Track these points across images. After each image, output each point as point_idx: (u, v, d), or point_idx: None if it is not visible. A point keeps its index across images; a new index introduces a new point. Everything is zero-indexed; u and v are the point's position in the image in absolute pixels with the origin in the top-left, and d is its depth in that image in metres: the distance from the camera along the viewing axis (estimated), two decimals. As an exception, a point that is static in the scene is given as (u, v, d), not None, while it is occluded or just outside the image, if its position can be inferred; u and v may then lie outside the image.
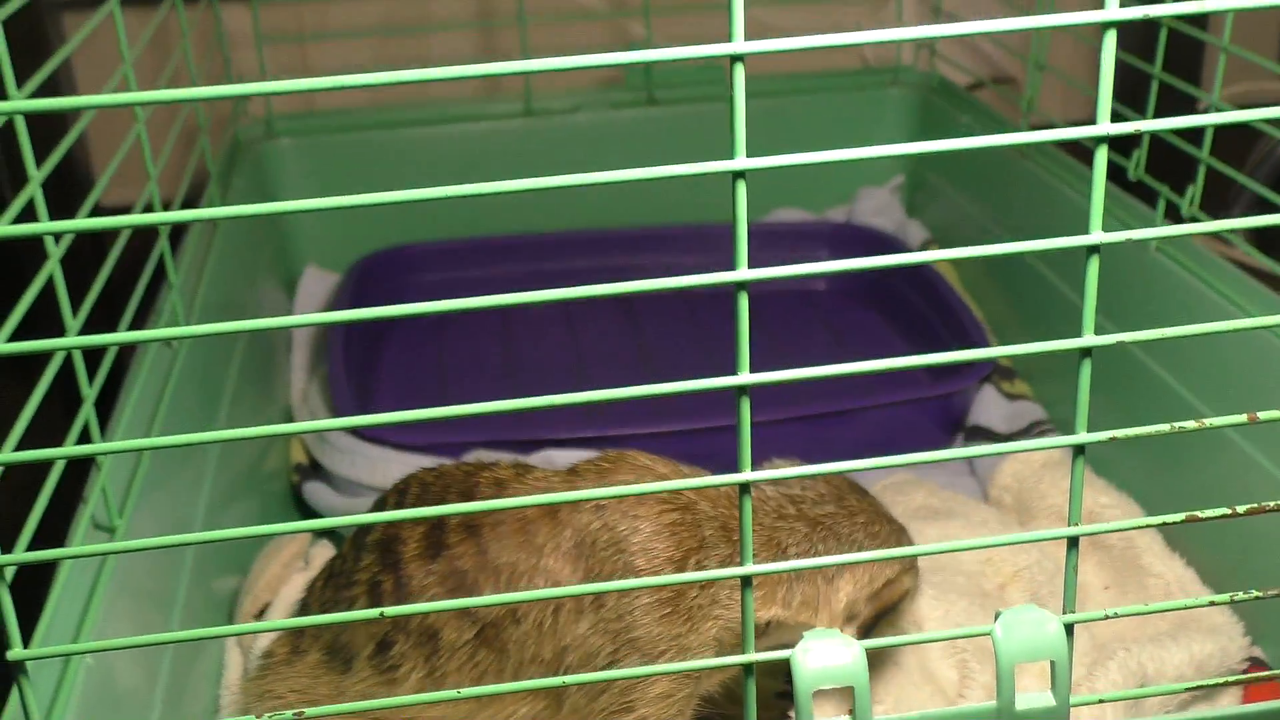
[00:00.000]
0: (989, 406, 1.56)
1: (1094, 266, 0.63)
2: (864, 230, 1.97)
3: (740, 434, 0.64)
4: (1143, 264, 1.37)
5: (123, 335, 0.61)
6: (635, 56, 0.58)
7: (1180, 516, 0.66)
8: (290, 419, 1.64)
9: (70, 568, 0.91)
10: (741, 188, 0.60)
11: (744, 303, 0.62)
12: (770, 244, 1.98)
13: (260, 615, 1.15)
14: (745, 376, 0.63)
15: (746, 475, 0.64)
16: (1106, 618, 0.69)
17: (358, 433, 1.48)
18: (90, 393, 0.96)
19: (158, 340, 1.12)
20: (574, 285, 2.11)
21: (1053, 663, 0.67)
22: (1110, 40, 0.59)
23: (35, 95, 0.79)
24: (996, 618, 0.67)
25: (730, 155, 0.59)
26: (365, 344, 1.76)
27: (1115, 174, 1.46)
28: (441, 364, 1.78)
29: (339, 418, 1.47)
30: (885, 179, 2.07)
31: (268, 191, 1.90)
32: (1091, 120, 0.61)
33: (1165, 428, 0.68)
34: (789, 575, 0.95)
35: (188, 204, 1.51)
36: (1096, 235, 0.62)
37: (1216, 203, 2.03)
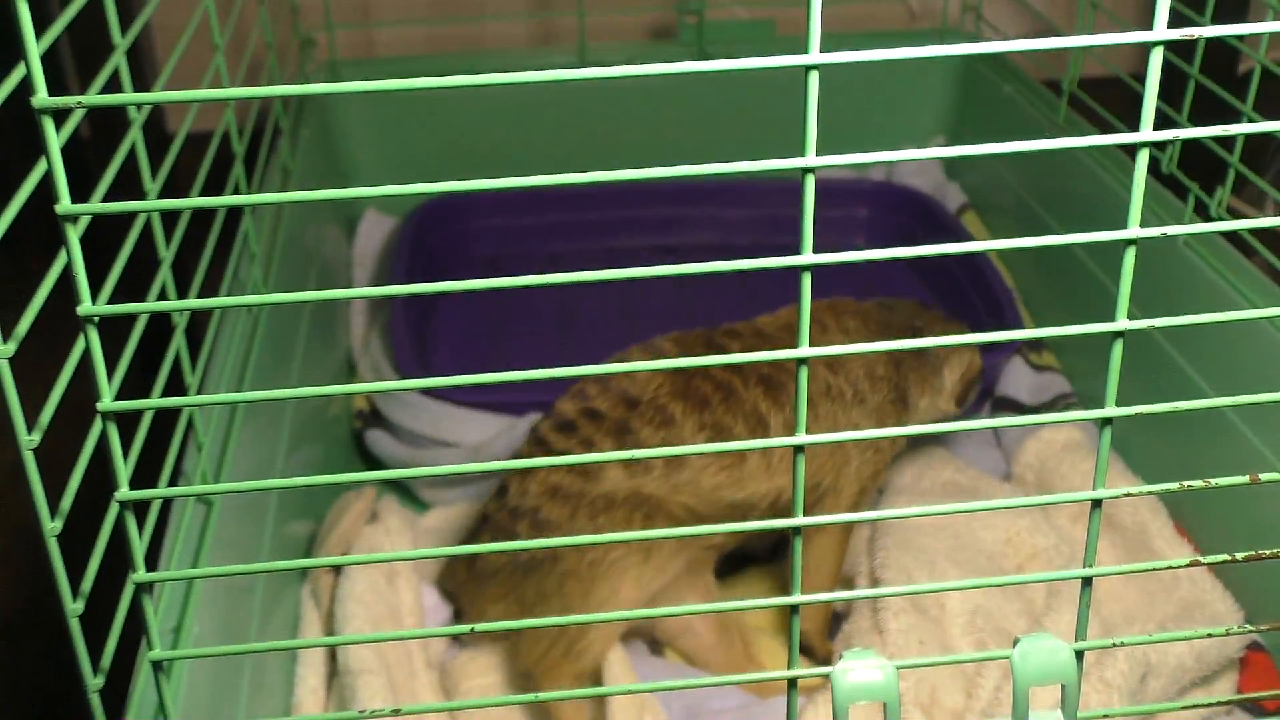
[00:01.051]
0: (1017, 378, 1.64)
1: (1130, 258, 0.69)
2: (903, 190, 2.04)
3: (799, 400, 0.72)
4: (1172, 256, 1.43)
5: (215, 300, 0.65)
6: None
7: (1199, 483, 0.73)
8: (352, 364, 1.73)
9: (184, 511, 1.01)
10: (810, 181, 0.65)
11: (807, 283, 0.67)
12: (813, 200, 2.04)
13: (334, 570, 1.25)
14: (804, 350, 0.69)
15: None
16: (1114, 645, 0.77)
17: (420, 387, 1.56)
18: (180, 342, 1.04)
19: (240, 305, 1.22)
20: (623, 234, 2.18)
21: (1064, 685, 0.75)
22: (1157, 57, 0.63)
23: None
24: (1015, 644, 0.76)
25: (800, 149, 0.63)
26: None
27: (1150, 165, 1.52)
28: (497, 311, 1.87)
29: (398, 368, 1.58)
30: (926, 139, 2.13)
31: (332, 136, 1.97)
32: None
33: (1184, 405, 0.73)
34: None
35: (256, 134, 1.59)
36: (1134, 230, 0.69)
37: (1243, 197, 2.08)
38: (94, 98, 0.61)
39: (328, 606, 1.20)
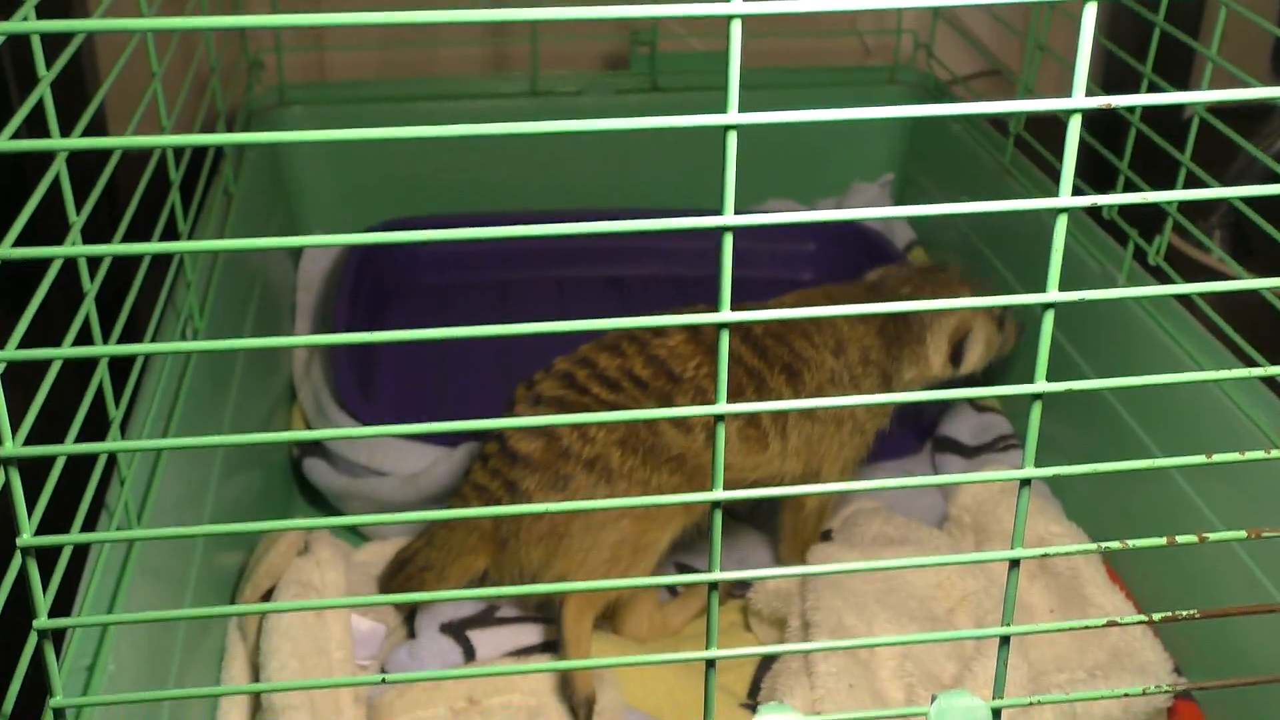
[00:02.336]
0: (958, 419, 1.65)
1: (1048, 322, 0.69)
2: (852, 225, 2.04)
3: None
4: (1112, 302, 1.44)
5: (145, 346, 0.64)
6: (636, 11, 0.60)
7: (1116, 544, 0.72)
8: (293, 390, 1.71)
9: (104, 553, 1.00)
10: (732, 139, 0.64)
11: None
12: (759, 233, 2.04)
13: (264, 600, 1.23)
14: (722, 406, 0.68)
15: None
16: (1031, 705, 0.77)
17: (359, 417, 1.55)
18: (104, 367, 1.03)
19: (174, 346, 1.20)
20: (572, 264, 2.17)
21: (979, 743, 0.75)
22: (1075, 124, 0.63)
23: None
24: (933, 701, 0.75)
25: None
26: (368, 314, 1.83)
27: (1091, 211, 1.53)
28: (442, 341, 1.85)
29: (338, 396, 1.56)
30: (877, 175, 2.14)
31: (280, 160, 1.96)
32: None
33: (1104, 467, 0.73)
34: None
35: (201, 159, 1.57)
36: (1052, 294, 0.69)
37: (1194, 210, 2.10)
38: (7, 143, 0.60)
39: (254, 640, 1.19)
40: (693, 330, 1.31)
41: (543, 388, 1.31)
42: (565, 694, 1.23)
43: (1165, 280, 1.41)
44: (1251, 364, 1.25)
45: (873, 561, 0.75)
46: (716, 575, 0.73)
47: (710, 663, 0.75)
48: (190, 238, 1.43)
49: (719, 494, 0.70)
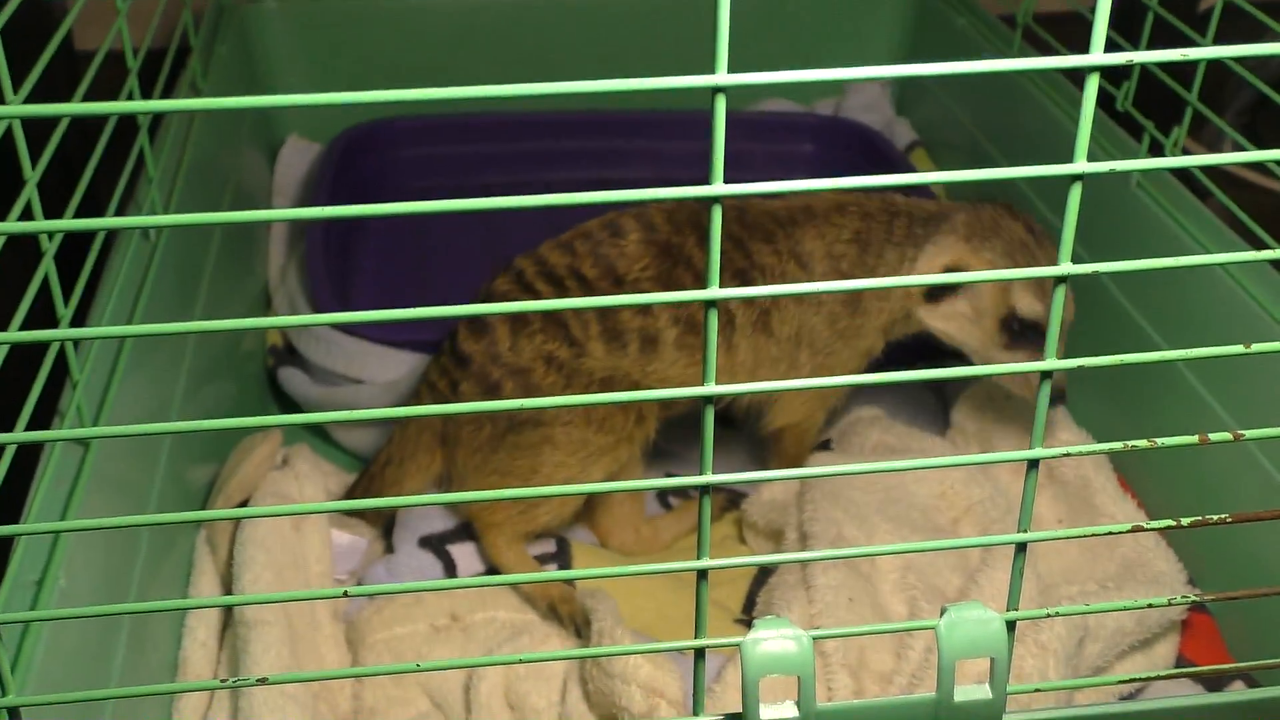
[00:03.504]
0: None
1: (1076, 195, 0.63)
2: (851, 125, 1.96)
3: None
4: (1123, 199, 1.37)
5: (104, 221, 0.59)
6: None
7: (1144, 443, 0.67)
8: (268, 297, 1.64)
9: (56, 457, 0.93)
10: (721, 103, 0.58)
11: (718, 216, 0.61)
12: (755, 134, 1.97)
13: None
14: (714, 290, 0.62)
15: (711, 389, 0.64)
16: (1048, 616, 0.71)
17: (335, 324, 1.48)
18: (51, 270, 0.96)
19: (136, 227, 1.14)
20: (559, 167, 2.10)
21: (992, 659, 0.69)
22: None
23: None
24: (942, 614, 0.70)
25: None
26: (346, 221, 1.76)
27: (1104, 102, 1.45)
28: (422, 245, 1.78)
29: (314, 302, 1.50)
30: (876, 74, 2.05)
31: (252, 58, 1.87)
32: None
33: (1130, 358, 0.67)
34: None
35: (163, 52, 1.49)
36: (1080, 165, 0.62)
37: (1201, 139, 2.02)
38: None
39: (226, 554, 1.13)
40: (648, 230, 1.22)
41: (495, 284, 1.26)
42: (553, 616, 1.18)
43: (1183, 176, 1.34)
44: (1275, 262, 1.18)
45: (874, 464, 0.69)
46: (709, 478, 0.66)
47: (702, 574, 0.69)
48: (152, 138, 1.35)
49: (711, 388, 0.64)
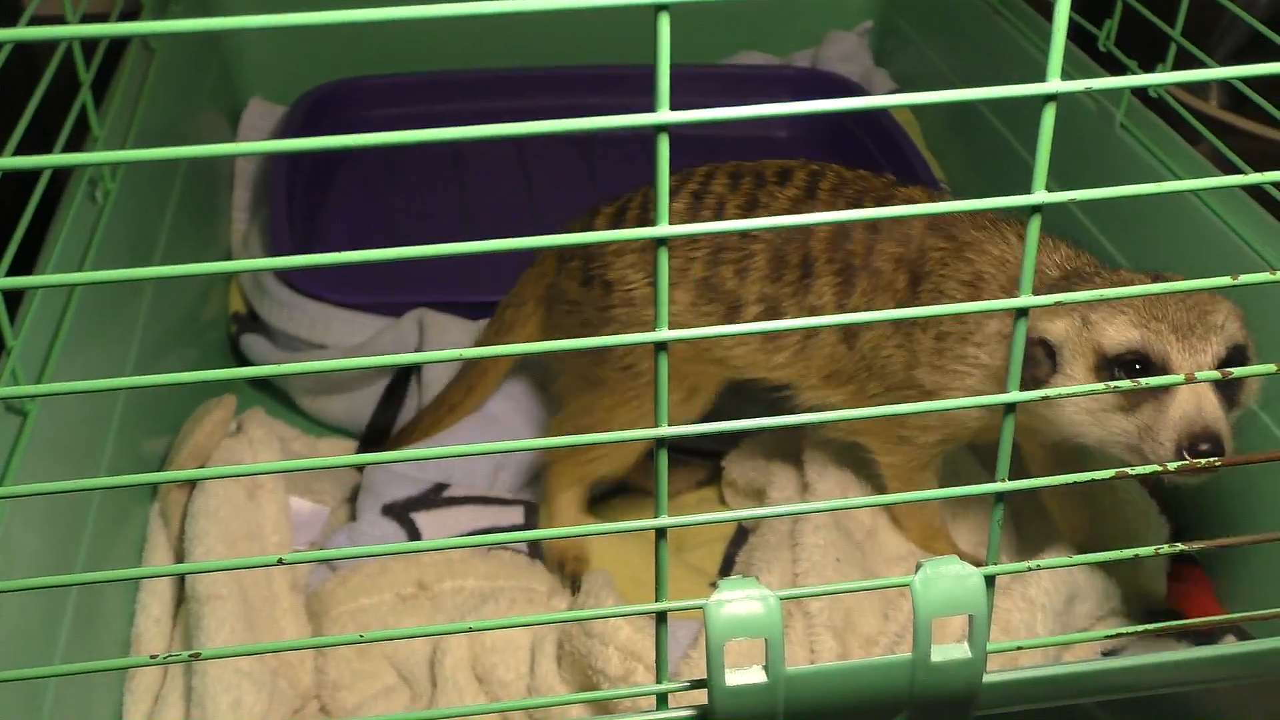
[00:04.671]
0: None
1: (1049, 117, 0.59)
2: (829, 77, 1.91)
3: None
4: (1107, 142, 1.33)
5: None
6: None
7: (1126, 384, 0.62)
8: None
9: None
10: (664, 21, 0.55)
11: (664, 146, 0.58)
12: (732, 88, 1.92)
13: (188, 485, 1.13)
14: (664, 228, 0.59)
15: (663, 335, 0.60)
16: (1030, 569, 0.68)
17: (297, 287, 1.44)
18: None
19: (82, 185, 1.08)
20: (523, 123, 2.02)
21: (971, 616, 0.66)
22: None
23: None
24: (918, 569, 0.66)
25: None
26: (311, 185, 1.71)
27: (1087, 43, 1.41)
28: (392, 208, 1.73)
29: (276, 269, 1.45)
30: (854, 23, 2.00)
31: (211, 11, 1.81)
32: None
33: (1106, 292, 0.63)
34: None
35: (125, 20, 1.44)
36: (1053, 84, 0.58)
37: (1188, 86, 1.97)
38: None
39: (178, 528, 1.09)
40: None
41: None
42: (558, 571, 1.17)
43: (1166, 115, 1.30)
44: (1266, 204, 1.14)
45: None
46: (664, 430, 0.62)
47: (661, 532, 0.65)
48: (100, 97, 1.30)
49: (663, 335, 0.60)
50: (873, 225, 1.10)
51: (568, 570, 1.17)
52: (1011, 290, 1.01)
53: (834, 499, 1.13)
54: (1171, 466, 0.69)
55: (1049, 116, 0.58)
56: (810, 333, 1.10)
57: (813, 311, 1.09)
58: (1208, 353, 0.91)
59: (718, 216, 1.12)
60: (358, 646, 1.08)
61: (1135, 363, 0.92)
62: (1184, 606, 1.11)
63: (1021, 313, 0.62)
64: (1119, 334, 0.92)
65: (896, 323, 1.06)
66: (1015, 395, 0.63)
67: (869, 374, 1.10)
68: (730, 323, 1.11)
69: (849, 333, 1.09)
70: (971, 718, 0.70)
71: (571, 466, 1.21)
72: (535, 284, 1.26)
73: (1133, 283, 0.89)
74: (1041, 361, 0.95)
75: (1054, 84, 0.58)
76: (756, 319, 1.12)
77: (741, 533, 1.21)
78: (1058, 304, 0.61)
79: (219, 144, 0.54)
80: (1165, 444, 0.89)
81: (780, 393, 1.15)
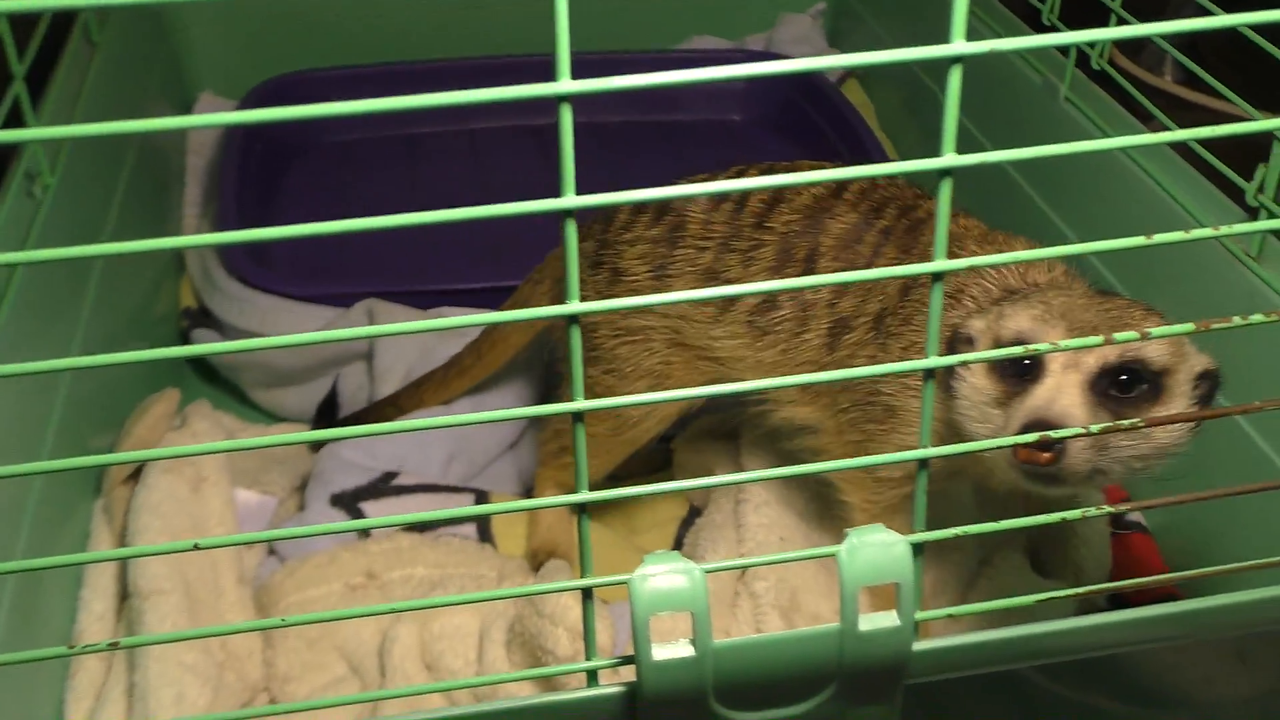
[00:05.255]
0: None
1: (955, 79, 0.59)
2: (782, 60, 1.91)
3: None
4: (1052, 114, 1.33)
5: None
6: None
7: (1046, 346, 0.61)
8: (182, 262, 1.58)
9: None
10: (566, 113, 0.55)
11: (567, 117, 0.59)
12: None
13: (131, 481, 1.12)
14: (571, 199, 0.59)
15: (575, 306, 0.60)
16: (956, 536, 0.67)
17: (247, 281, 1.43)
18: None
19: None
20: (485, 115, 2.02)
21: (898, 584, 0.65)
22: None
23: None
24: (844, 538, 0.65)
25: None
26: (262, 180, 1.70)
27: (1031, 16, 1.41)
28: (344, 201, 1.72)
29: (226, 262, 1.44)
30: (807, 5, 2.00)
31: (156, 9, 1.80)
32: None
33: (1031, 254, 0.63)
34: None
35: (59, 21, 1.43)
36: (958, 46, 0.58)
37: (1140, 62, 1.98)
38: None
39: (121, 524, 1.08)
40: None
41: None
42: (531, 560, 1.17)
43: (1103, 83, 1.30)
44: (1219, 183, 1.13)
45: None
46: (579, 405, 0.62)
47: (581, 508, 0.65)
48: (38, 94, 1.29)
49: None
50: (885, 230, 1.07)
51: (540, 559, 1.17)
52: (983, 307, 0.98)
53: (770, 483, 1.13)
54: (1095, 430, 0.68)
55: (954, 79, 0.58)
56: (799, 328, 1.07)
57: (807, 308, 1.07)
58: (1094, 353, 0.86)
59: (739, 209, 1.11)
60: (307, 638, 1.07)
61: (1025, 357, 0.84)
62: (1134, 576, 1.11)
63: (936, 277, 0.61)
64: (1013, 323, 0.90)
65: (873, 333, 1.04)
66: (934, 360, 0.63)
67: (842, 386, 1.06)
68: (725, 314, 1.10)
69: (832, 335, 1.06)
70: (903, 686, 0.70)
71: (555, 470, 1.22)
72: (556, 264, 1.25)
73: (1094, 301, 0.91)
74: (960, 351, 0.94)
75: (959, 45, 0.58)
76: (751, 311, 1.09)
77: (692, 513, 1.20)
78: (970, 266, 0.60)
79: (162, 119, 0.53)
80: (1010, 432, 0.85)
81: (759, 407, 1.13)
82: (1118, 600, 1.06)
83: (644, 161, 1.73)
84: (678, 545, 1.18)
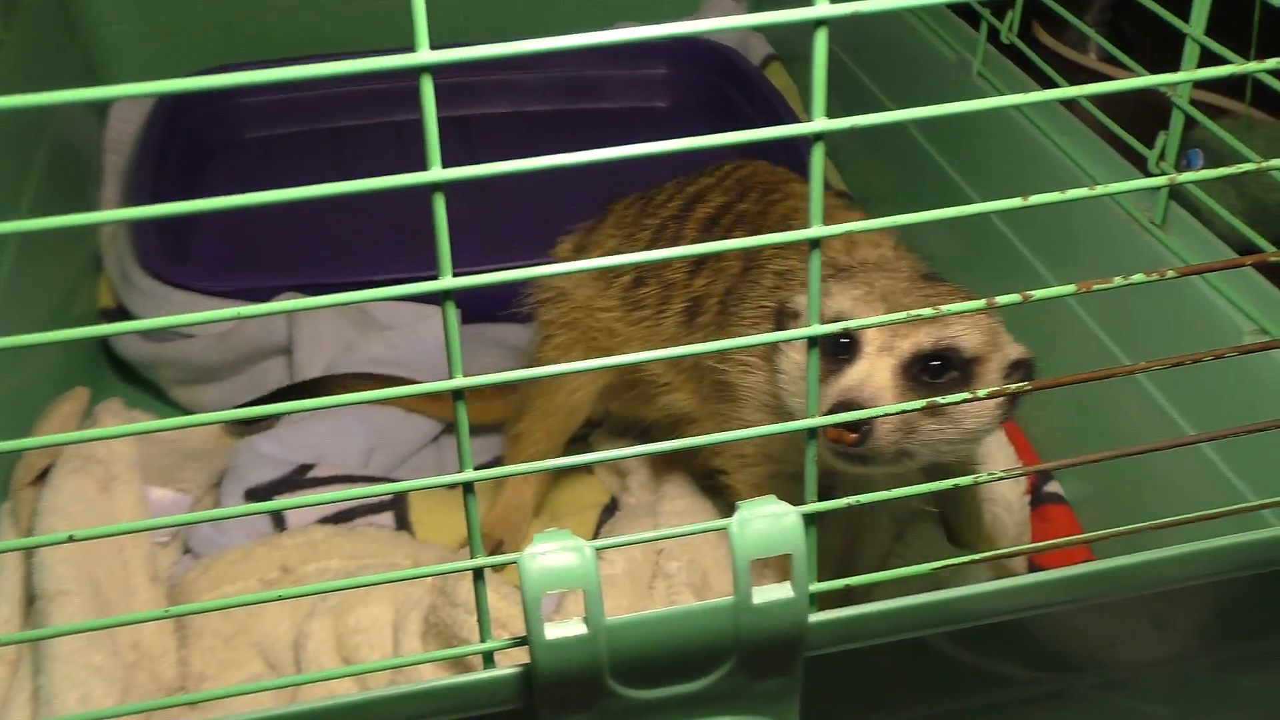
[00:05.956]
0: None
1: (821, 42, 0.59)
2: (705, 44, 1.90)
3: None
4: (964, 90, 1.34)
5: None
6: None
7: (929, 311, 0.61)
8: (99, 263, 1.56)
9: None
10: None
11: (428, 87, 0.59)
12: (608, 59, 1.91)
13: (39, 483, 1.10)
14: (437, 171, 0.61)
15: (448, 282, 0.60)
16: (849, 507, 0.67)
17: (164, 278, 1.41)
18: None
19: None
20: (409, 106, 2.00)
21: (791, 555, 0.65)
22: None
23: None
24: (734, 511, 0.65)
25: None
26: (182, 177, 1.68)
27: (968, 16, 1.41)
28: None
29: (142, 262, 1.42)
30: (727, -10, 2.00)
31: (68, 6, 1.77)
32: None
33: (900, 218, 0.62)
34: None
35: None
36: (821, 8, 0.58)
37: (1072, 6, 1.98)
38: None
39: (28, 524, 1.06)
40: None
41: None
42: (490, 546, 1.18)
43: (1021, 62, 1.30)
44: (1130, 157, 1.14)
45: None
46: (460, 381, 0.61)
47: (468, 487, 0.64)
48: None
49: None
50: (742, 213, 1.11)
51: (504, 550, 1.17)
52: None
53: (685, 477, 1.13)
54: (982, 394, 0.68)
55: (820, 43, 0.58)
56: (662, 306, 1.10)
57: (667, 286, 1.10)
58: (909, 339, 0.87)
59: (647, 201, 1.18)
60: (222, 636, 1.06)
61: (842, 334, 0.88)
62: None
63: (814, 244, 0.61)
64: (834, 303, 0.90)
65: (723, 315, 1.05)
66: (816, 329, 0.63)
67: (700, 369, 1.07)
68: (609, 287, 1.14)
69: (689, 315, 1.09)
70: (802, 658, 0.69)
71: (514, 455, 1.21)
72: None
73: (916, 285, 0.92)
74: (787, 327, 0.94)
75: (822, 8, 0.57)
76: (625, 287, 1.13)
77: (613, 505, 1.20)
78: (847, 232, 0.60)
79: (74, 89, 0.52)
80: (822, 411, 0.83)
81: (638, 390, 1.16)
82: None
83: (571, 150, 1.71)
84: (596, 534, 1.17)
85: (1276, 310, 0.93)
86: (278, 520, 1.14)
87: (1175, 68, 1.19)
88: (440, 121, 1.92)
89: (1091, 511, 1.15)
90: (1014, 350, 0.91)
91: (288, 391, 1.29)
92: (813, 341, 0.63)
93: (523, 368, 1.06)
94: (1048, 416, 1.20)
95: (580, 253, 1.19)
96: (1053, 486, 1.16)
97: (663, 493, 1.14)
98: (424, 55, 0.56)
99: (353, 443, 1.25)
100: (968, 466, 1.00)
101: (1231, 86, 1.51)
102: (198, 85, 0.55)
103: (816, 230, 0.60)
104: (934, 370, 0.87)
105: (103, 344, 1.46)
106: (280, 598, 0.65)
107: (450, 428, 1.32)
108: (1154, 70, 1.15)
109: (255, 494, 1.16)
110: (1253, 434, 0.71)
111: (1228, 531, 0.70)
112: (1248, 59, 0.77)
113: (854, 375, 0.86)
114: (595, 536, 1.16)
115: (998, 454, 1.15)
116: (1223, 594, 0.80)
